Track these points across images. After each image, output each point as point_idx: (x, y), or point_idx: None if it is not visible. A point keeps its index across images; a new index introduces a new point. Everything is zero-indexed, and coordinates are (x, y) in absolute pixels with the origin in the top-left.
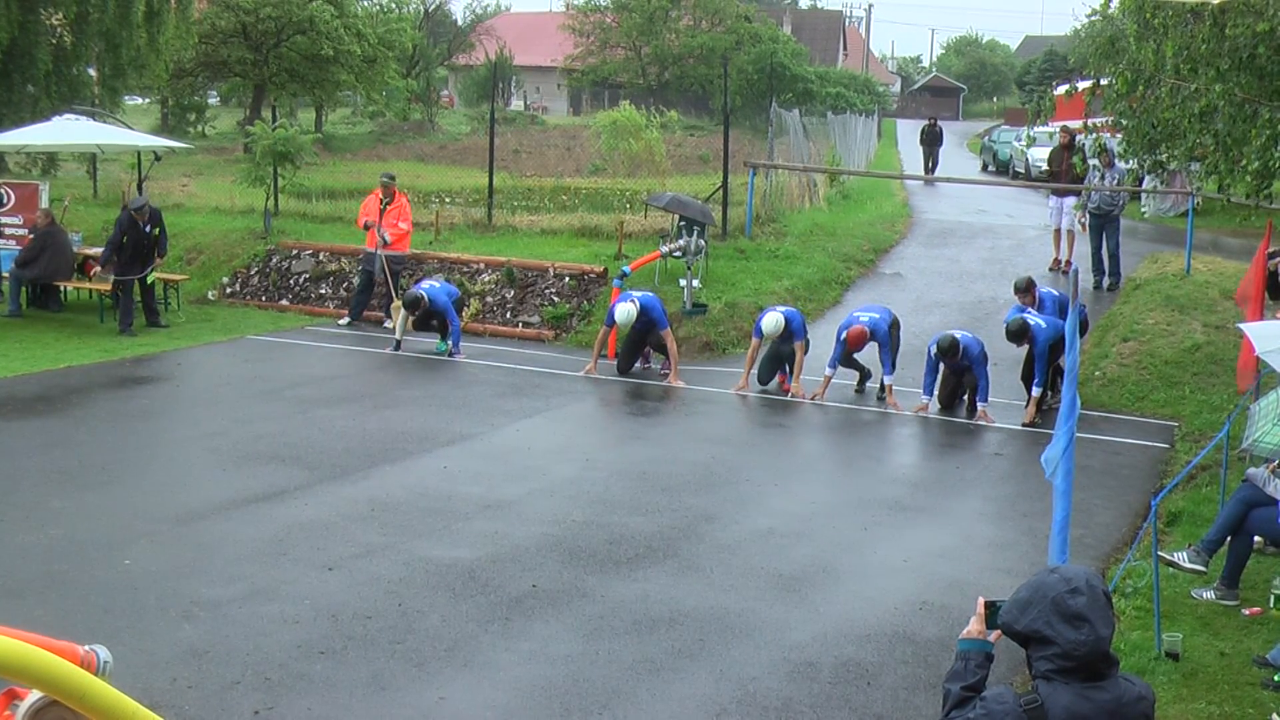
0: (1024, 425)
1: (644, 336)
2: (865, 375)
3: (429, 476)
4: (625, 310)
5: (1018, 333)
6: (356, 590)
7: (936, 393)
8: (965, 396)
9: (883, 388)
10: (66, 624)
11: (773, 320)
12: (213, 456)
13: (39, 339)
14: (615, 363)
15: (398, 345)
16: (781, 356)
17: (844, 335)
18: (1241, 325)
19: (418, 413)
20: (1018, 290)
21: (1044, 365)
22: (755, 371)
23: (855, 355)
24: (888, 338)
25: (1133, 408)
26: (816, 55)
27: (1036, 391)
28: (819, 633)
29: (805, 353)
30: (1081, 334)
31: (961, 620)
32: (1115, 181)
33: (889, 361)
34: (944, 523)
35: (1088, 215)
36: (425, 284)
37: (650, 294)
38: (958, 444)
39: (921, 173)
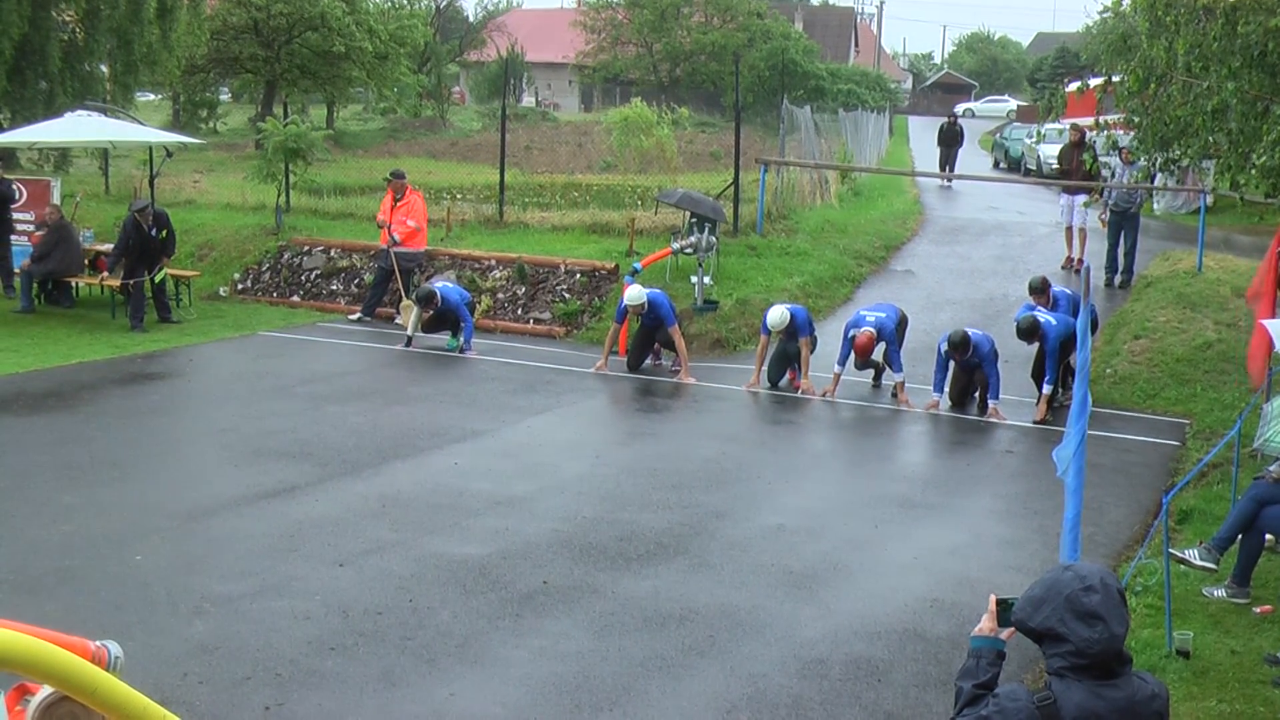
0: (1035, 423)
1: (652, 333)
2: (881, 370)
3: (440, 473)
4: (635, 291)
5: (1028, 330)
6: (367, 586)
7: (947, 390)
8: (976, 394)
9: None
10: (77, 619)
11: (778, 313)
12: (224, 452)
13: (50, 335)
14: (625, 360)
15: (408, 341)
16: (789, 354)
17: (851, 337)
18: (1264, 322)
19: (429, 409)
20: (1033, 290)
21: (1055, 363)
22: (766, 370)
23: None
24: (895, 336)
25: (1144, 405)
26: (828, 52)
27: (1047, 389)
28: (829, 630)
29: (812, 349)
30: (1091, 332)
31: (972, 618)
32: (1131, 178)
33: (898, 360)
34: (955, 520)
35: (1108, 212)
36: (438, 283)
37: (658, 291)
38: (969, 441)
39: (937, 172)
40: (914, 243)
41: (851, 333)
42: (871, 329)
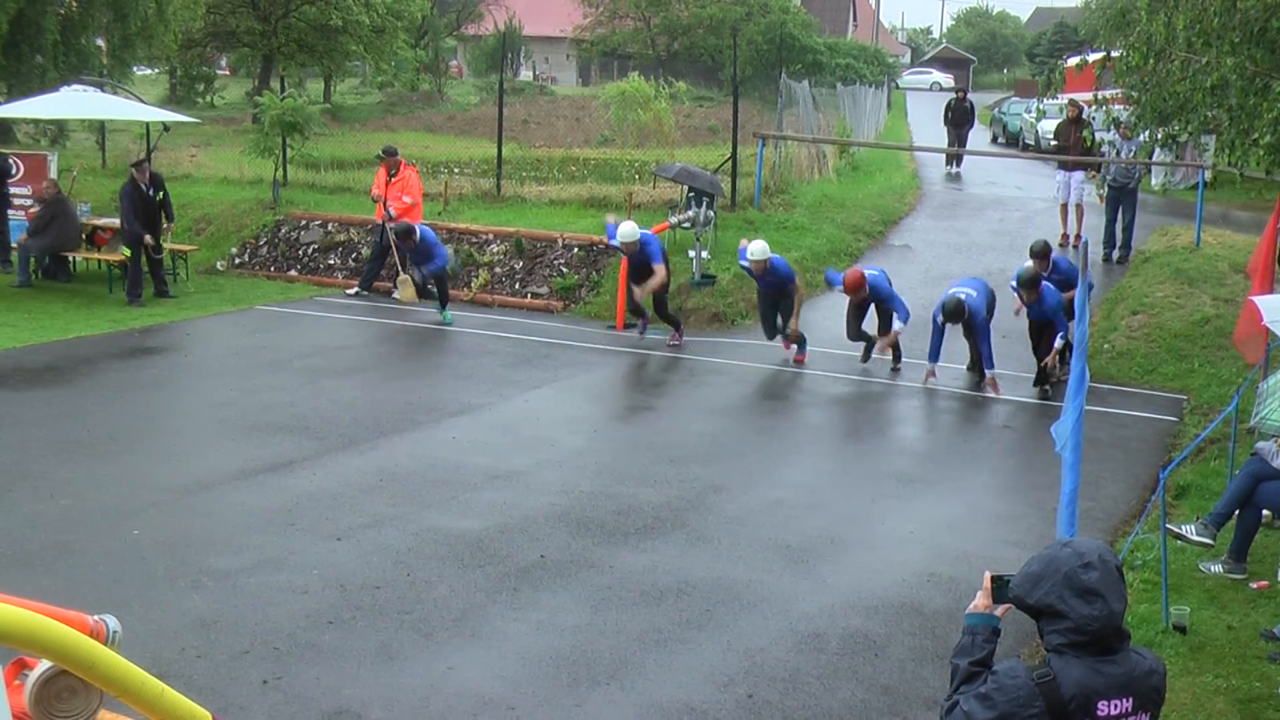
0: (1035, 382)
1: (641, 272)
2: (871, 343)
3: (437, 447)
4: (628, 227)
5: (954, 312)
6: (365, 560)
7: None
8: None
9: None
10: (75, 593)
11: (758, 247)
12: (221, 426)
13: (48, 309)
14: (627, 301)
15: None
16: (778, 306)
17: (841, 281)
18: (1254, 298)
19: (426, 383)
20: (1034, 255)
21: (1061, 321)
22: (762, 325)
23: (862, 322)
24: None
25: (1141, 381)
26: (826, 26)
27: (1059, 342)
28: (826, 604)
29: (800, 294)
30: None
31: (969, 592)
32: (1131, 154)
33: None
34: (952, 495)
35: (1106, 188)
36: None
37: (652, 232)
38: (966, 416)
39: (938, 148)
40: (912, 217)
41: (940, 306)
42: (861, 271)
